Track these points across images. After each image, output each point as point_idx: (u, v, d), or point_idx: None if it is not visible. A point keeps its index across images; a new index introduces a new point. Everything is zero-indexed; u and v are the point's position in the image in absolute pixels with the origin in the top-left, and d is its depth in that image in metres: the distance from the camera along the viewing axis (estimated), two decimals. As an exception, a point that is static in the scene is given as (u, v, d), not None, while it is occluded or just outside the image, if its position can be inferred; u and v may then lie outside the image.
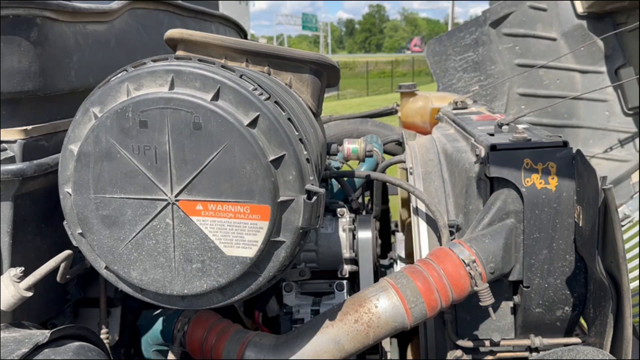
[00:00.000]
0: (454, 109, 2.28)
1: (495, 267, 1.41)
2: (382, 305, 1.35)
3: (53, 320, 1.44)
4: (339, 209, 1.77)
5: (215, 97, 1.04)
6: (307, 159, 1.11)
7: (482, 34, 2.96)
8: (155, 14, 1.76)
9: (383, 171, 1.96)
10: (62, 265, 1.21)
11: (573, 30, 2.98)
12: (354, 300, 1.39)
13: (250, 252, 1.08)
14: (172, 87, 1.05)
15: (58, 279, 1.26)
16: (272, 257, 1.11)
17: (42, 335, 1.09)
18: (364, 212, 1.97)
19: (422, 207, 1.70)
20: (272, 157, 1.05)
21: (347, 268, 1.74)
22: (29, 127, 1.19)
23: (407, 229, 2.12)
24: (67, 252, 1.20)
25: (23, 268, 1.14)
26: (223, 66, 1.10)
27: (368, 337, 1.35)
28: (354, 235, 1.74)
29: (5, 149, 1.15)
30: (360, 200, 2.08)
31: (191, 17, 2.03)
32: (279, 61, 1.41)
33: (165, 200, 1.07)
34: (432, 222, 1.67)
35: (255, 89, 1.08)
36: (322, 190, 1.10)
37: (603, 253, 1.32)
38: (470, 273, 1.37)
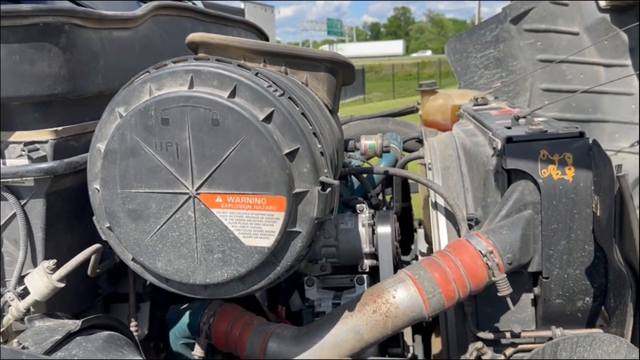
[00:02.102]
0: (475, 105, 2.29)
1: (512, 257, 1.42)
2: (400, 296, 1.38)
3: (85, 314, 1.50)
4: (358, 205, 1.80)
5: (232, 94, 1.09)
6: (321, 152, 1.15)
7: (503, 31, 2.95)
8: (178, 20, 1.82)
9: (402, 167, 1.98)
10: (92, 258, 1.27)
11: (596, 24, 2.95)
12: (372, 291, 1.42)
13: (267, 242, 1.12)
14: (191, 86, 1.11)
15: (89, 272, 1.32)
16: (289, 247, 1.15)
17: (74, 324, 1.15)
18: (384, 209, 1.99)
19: (441, 201, 1.72)
20: (286, 151, 1.09)
21: (367, 262, 1.76)
22: (59, 128, 1.26)
23: (426, 223, 2.13)
24: (97, 245, 1.26)
25: (55, 260, 1.20)
26: (239, 65, 1.15)
27: (386, 327, 1.37)
28: (373, 230, 1.77)
29: (38, 149, 1.22)
30: (380, 197, 2.10)
31: (213, 23, 2.09)
32: (295, 60, 1.45)
33: (187, 193, 1.12)
34: (451, 216, 1.69)
35: (270, 86, 1.12)
36: (336, 182, 1.14)
37: (621, 242, 1.32)
38: (487, 264, 1.39)
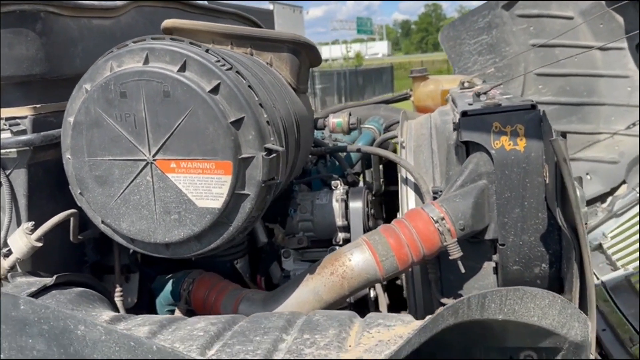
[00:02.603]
0: (461, 89, 2.36)
1: (464, 224, 1.49)
2: (356, 259, 1.47)
3: (72, 279, 1.64)
4: (333, 182, 1.90)
5: (182, 68, 1.21)
6: (268, 122, 1.25)
7: (495, 17, 3.00)
8: (163, 11, 1.95)
9: (379, 146, 2.07)
10: (72, 224, 1.41)
11: (591, 8, 2.97)
12: (331, 255, 1.52)
13: (217, 203, 1.23)
14: (146, 62, 1.23)
15: (71, 238, 1.46)
16: (240, 208, 1.26)
17: (50, 279, 1.28)
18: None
19: (410, 176, 1.81)
20: (232, 119, 1.20)
21: (341, 235, 1.86)
22: (38, 105, 1.40)
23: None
24: (72, 210, 1.40)
25: (34, 222, 1.34)
26: (191, 43, 1.27)
27: (343, 288, 1.47)
28: (346, 205, 1.87)
29: (19, 124, 1.37)
30: (361, 177, 2.19)
31: (202, 14, 2.21)
32: (260, 42, 1.56)
33: (144, 160, 1.24)
34: (418, 190, 1.77)
35: (218, 61, 1.23)
36: (282, 149, 1.24)
37: (563, 206, 1.38)
38: (439, 229, 1.47)
